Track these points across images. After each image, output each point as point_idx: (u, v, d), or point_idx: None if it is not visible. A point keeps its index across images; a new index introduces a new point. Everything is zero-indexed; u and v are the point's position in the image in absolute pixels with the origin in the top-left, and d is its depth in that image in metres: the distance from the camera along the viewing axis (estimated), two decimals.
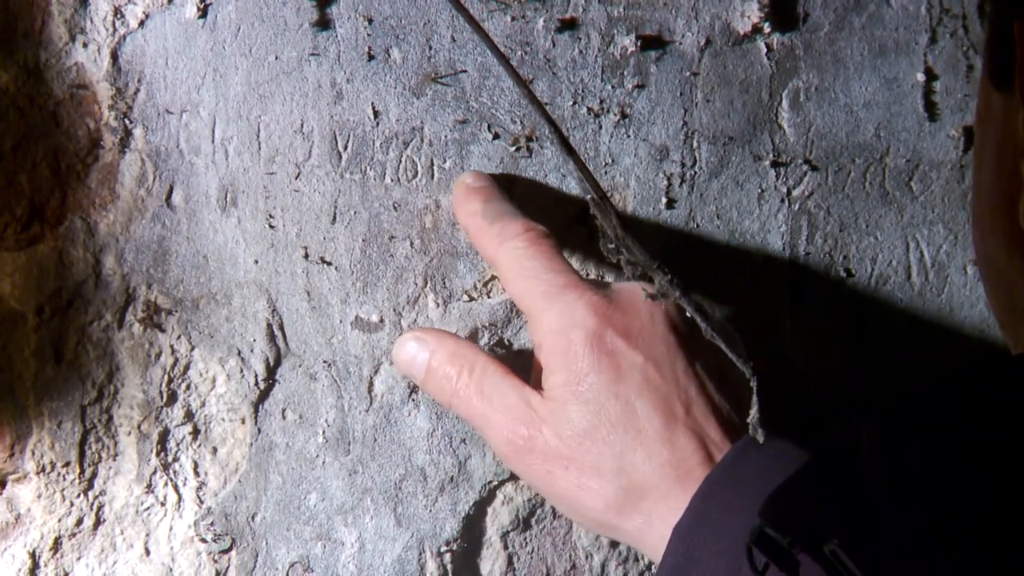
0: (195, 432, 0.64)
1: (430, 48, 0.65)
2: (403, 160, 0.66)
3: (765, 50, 0.70)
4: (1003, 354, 0.52)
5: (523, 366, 0.62)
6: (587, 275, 0.68)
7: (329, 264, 0.65)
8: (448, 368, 0.60)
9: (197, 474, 0.64)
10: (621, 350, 0.56)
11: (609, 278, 0.68)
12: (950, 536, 0.37)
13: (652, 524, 0.55)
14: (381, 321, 0.65)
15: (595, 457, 0.55)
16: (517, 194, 0.66)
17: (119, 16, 0.62)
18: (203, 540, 0.64)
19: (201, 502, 0.64)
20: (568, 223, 0.67)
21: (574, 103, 0.67)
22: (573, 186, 0.67)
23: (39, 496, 0.62)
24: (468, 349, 0.61)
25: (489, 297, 0.67)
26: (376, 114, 0.65)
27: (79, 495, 0.63)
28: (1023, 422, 0.39)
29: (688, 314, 0.66)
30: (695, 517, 0.52)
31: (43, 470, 0.62)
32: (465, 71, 0.66)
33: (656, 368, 0.56)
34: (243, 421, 0.64)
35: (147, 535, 0.64)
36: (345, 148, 0.65)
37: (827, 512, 0.40)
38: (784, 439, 0.55)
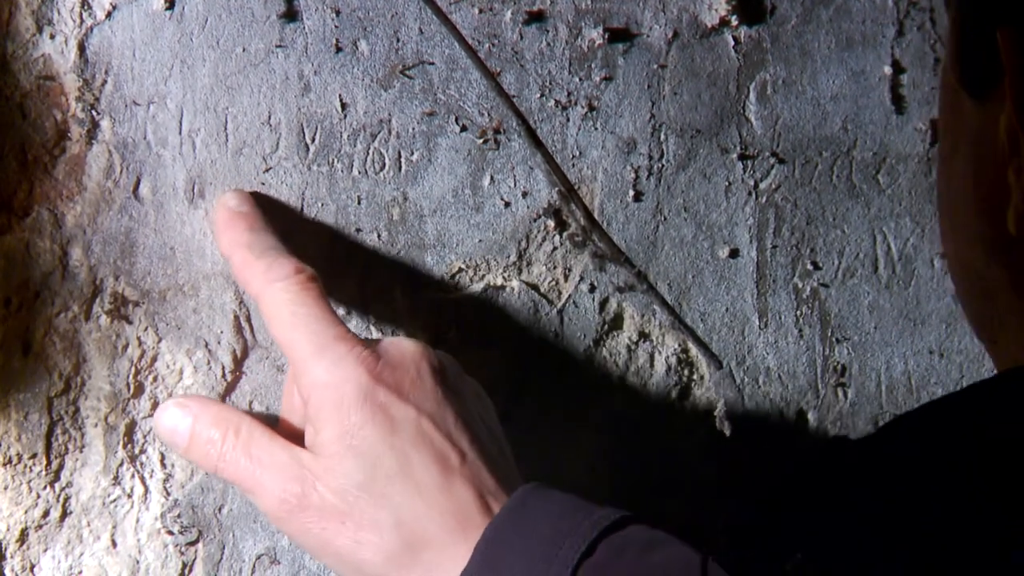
0: None
1: (398, 40, 0.66)
2: (370, 152, 0.66)
3: (732, 43, 0.70)
4: (993, 373, 0.52)
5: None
6: (554, 267, 0.68)
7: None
8: (212, 432, 0.58)
9: (164, 466, 0.64)
10: (393, 404, 0.56)
11: (576, 271, 0.68)
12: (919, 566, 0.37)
13: (433, 575, 0.55)
14: (348, 313, 0.66)
15: (374, 511, 0.54)
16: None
17: (86, 7, 0.62)
18: (170, 532, 0.64)
19: (168, 494, 0.64)
20: (536, 215, 0.67)
21: (541, 95, 0.67)
22: (541, 179, 0.67)
23: (5, 488, 0.62)
24: (232, 412, 0.59)
25: (457, 291, 0.67)
26: (344, 106, 0.65)
27: (45, 487, 0.63)
28: (1006, 447, 0.39)
29: (656, 305, 0.66)
30: (483, 564, 0.52)
31: (9, 462, 0.62)
32: (433, 63, 0.66)
33: (430, 421, 0.56)
34: None
35: (114, 527, 0.64)
36: (312, 140, 0.65)
37: (789, 531, 0.40)
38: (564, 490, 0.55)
